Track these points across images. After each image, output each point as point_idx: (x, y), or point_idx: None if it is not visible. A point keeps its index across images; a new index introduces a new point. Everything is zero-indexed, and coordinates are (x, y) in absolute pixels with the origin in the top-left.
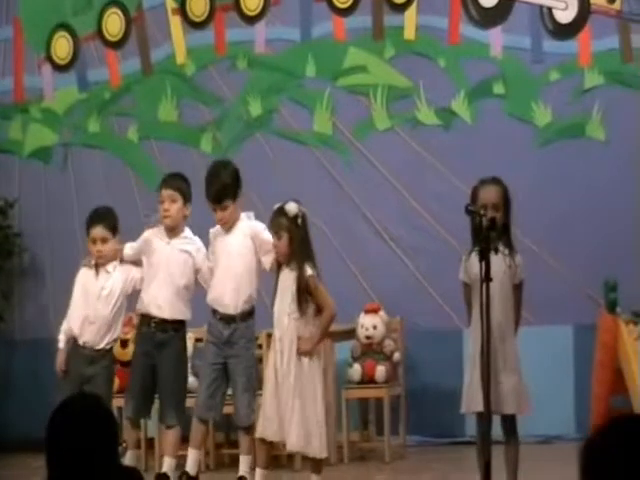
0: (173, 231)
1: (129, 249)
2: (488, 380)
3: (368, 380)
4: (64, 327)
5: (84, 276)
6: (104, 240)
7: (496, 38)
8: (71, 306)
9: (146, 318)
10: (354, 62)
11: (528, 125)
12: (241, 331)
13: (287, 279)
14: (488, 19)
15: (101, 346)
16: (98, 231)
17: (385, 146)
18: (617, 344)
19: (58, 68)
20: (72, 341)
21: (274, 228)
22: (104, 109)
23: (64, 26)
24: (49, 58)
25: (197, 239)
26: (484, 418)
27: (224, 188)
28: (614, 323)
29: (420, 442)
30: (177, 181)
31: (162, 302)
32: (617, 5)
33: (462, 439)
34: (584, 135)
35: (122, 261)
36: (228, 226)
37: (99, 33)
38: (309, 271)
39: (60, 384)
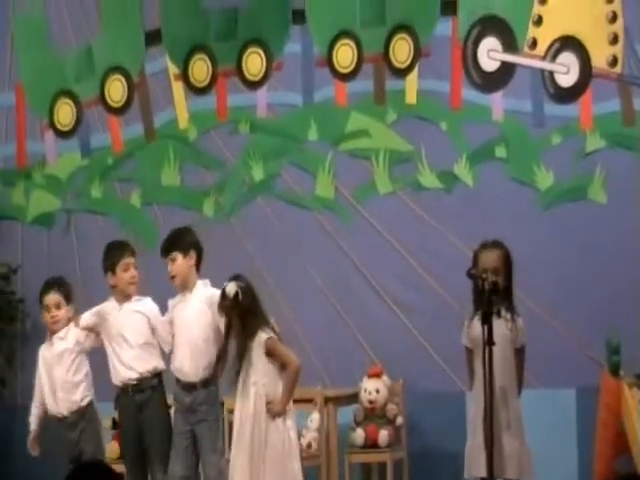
0: (125, 296)
1: (84, 319)
2: (491, 444)
3: (371, 444)
4: (32, 408)
5: (42, 352)
6: (57, 306)
7: (497, 102)
8: (37, 385)
9: (124, 387)
10: (356, 126)
11: (530, 188)
12: (202, 397)
13: (250, 349)
14: (490, 83)
15: (75, 407)
16: (51, 297)
17: (387, 209)
18: (620, 406)
19: (61, 134)
20: (51, 416)
21: (219, 310)
22: (107, 175)
23: (67, 92)
24: (52, 124)
25: (148, 299)
26: None
27: (172, 240)
28: (617, 386)
29: None
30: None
31: (130, 363)
32: (618, 69)
33: None
34: (586, 198)
35: (76, 326)
36: (178, 282)
37: (102, 99)
38: (264, 336)
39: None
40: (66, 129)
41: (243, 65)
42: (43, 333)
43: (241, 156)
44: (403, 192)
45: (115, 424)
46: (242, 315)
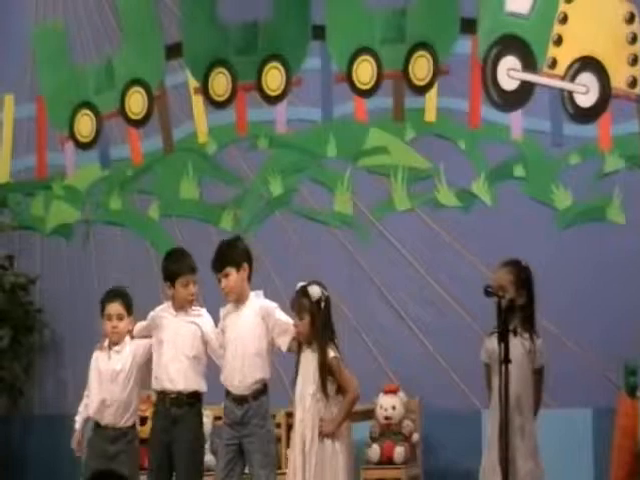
0: (181, 308)
1: (138, 328)
2: (507, 462)
3: (386, 461)
4: (81, 408)
5: (97, 359)
6: (120, 317)
7: (516, 121)
8: (87, 390)
9: (161, 395)
10: (375, 143)
11: (548, 208)
12: (254, 410)
13: (308, 360)
14: (509, 102)
15: (121, 424)
16: (114, 307)
17: (405, 227)
18: (637, 428)
19: (81, 146)
20: (93, 422)
21: (297, 309)
22: (125, 186)
23: (87, 104)
24: (72, 136)
25: (204, 311)
26: None
27: (224, 255)
28: (633, 407)
29: None
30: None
31: (174, 375)
32: (638, 90)
33: None
34: (604, 218)
35: (132, 338)
36: (233, 297)
37: (122, 111)
38: (332, 353)
39: (86, 463)
40: (86, 140)
41: (263, 80)
42: (61, 344)
43: (260, 171)
44: (421, 209)
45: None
46: (318, 322)
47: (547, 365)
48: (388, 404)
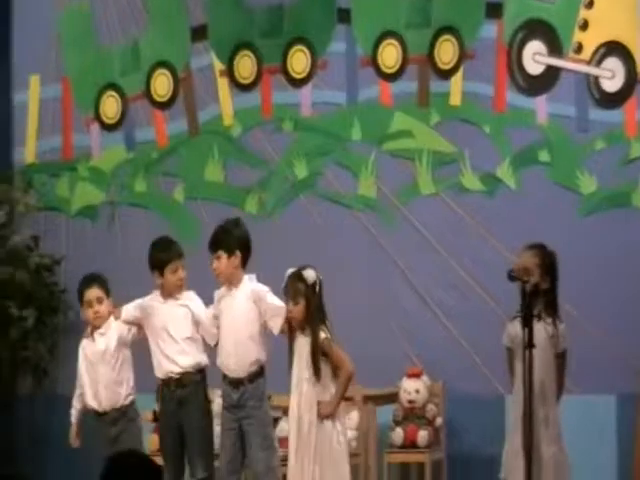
0: (170, 294)
1: (126, 312)
2: (530, 447)
3: (410, 444)
4: (74, 401)
5: (84, 348)
6: (100, 300)
7: (542, 106)
8: (79, 379)
9: (165, 379)
10: (399, 127)
11: (573, 193)
12: (250, 392)
13: (303, 345)
14: (534, 87)
15: (120, 404)
16: (94, 292)
17: (429, 211)
18: None
19: (106, 127)
20: (92, 411)
21: (291, 293)
22: (150, 169)
23: (112, 86)
24: (97, 117)
25: (192, 294)
26: None
27: (219, 239)
28: None
29: None
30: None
31: (174, 357)
32: None
33: None
34: (629, 204)
35: (117, 319)
36: (222, 279)
37: (147, 93)
38: (323, 334)
39: (97, 450)
40: (111, 122)
41: (288, 63)
42: (85, 325)
43: (284, 154)
44: (445, 194)
45: (156, 417)
46: (311, 306)
47: (570, 351)
48: (412, 388)
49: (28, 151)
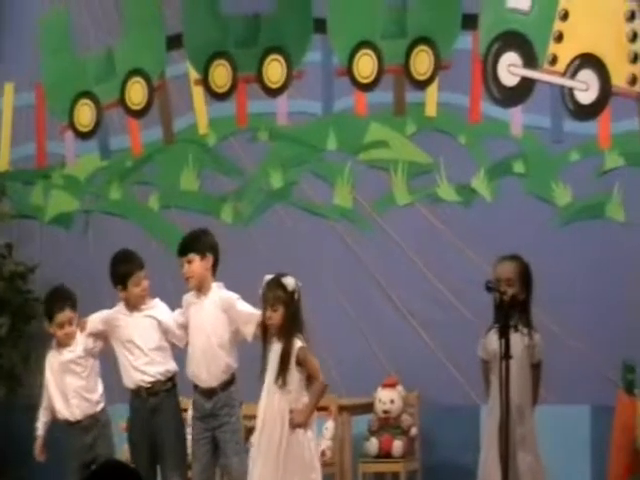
0: (135, 306)
1: (91, 324)
2: (507, 457)
3: (385, 454)
4: (40, 414)
5: (49, 359)
6: (70, 322)
7: (517, 117)
8: (46, 391)
9: (135, 390)
10: (375, 137)
11: (548, 204)
12: (223, 401)
13: (277, 352)
14: (509, 98)
15: (91, 411)
16: (66, 315)
17: (405, 221)
18: (635, 425)
19: (80, 135)
20: (63, 421)
21: (270, 300)
22: (125, 177)
23: (87, 94)
24: (72, 125)
25: (157, 301)
26: None
27: (190, 242)
28: (632, 405)
29: None
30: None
31: (143, 368)
32: (638, 87)
33: None
34: (604, 216)
35: (82, 332)
36: (194, 283)
37: (122, 101)
38: (299, 343)
39: (68, 462)
40: (86, 130)
41: (264, 72)
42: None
43: (260, 163)
44: (421, 204)
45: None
46: (290, 314)
47: (546, 362)
48: (387, 398)
49: (2, 159)
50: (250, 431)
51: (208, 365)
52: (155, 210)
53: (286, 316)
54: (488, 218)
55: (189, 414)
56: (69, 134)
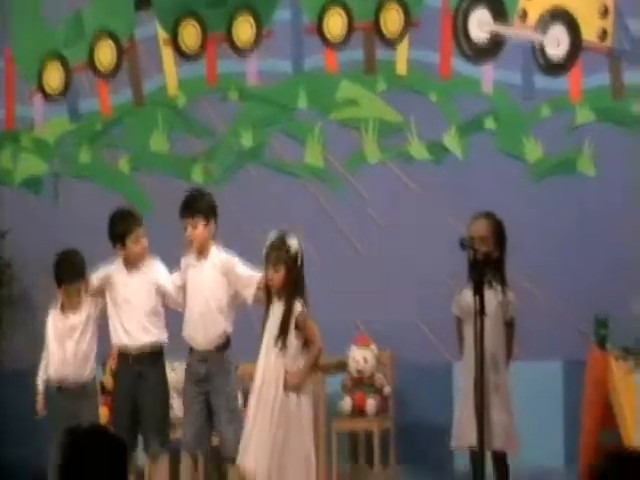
0: (134, 265)
1: (92, 285)
2: (482, 414)
3: (358, 412)
4: (41, 371)
5: (53, 318)
6: (79, 293)
7: (487, 73)
8: (46, 349)
9: (123, 352)
10: (346, 95)
11: (519, 161)
12: (217, 365)
13: (277, 314)
14: (480, 55)
15: (83, 379)
16: (74, 289)
17: (376, 179)
18: (607, 380)
19: (49, 98)
20: (54, 382)
21: (273, 260)
22: (95, 140)
23: (56, 56)
24: (40, 88)
25: (156, 262)
26: (477, 454)
27: (197, 204)
28: (604, 359)
29: (410, 476)
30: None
31: (134, 333)
32: (608, 42)
33: (452, 473)
34: (575, 171)
35: (86, 293)
36: (196, 247)
37: (90, 63)
38: (299, 307)
39: (51, 424)
40: (55, 93)
41: (233, 32)
42: (30, 298)
43: (230, 124)
44: (393, 162)
45: (103, 389)
46: (293, 275)
47: (519, 318)
48: (360, 356)
49: None
50: (247, 393)
51: (205, 329)
52: (125, 173)
53: (288, 277)
54: (460, 176)
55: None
56: (38, 97)
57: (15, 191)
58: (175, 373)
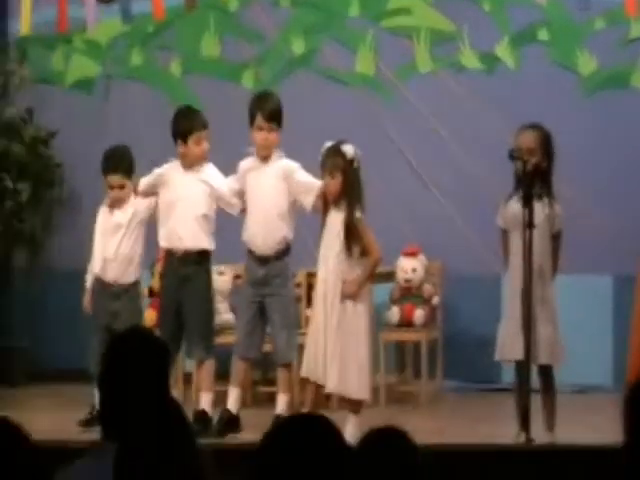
0: (191, 166)
1: (143, 185)
2: (529, 327)
3: (406, 323)
4: (89, 267)
5: (101, 215)
6: (122, 187)
7: None
8: (93, 246)
9: (169, 254)
10: (398, 4)
11: (572, 73)
12: (276, 270)
13: (335, 220)
14: None
15: (125, 280)
16: (116, 179)
17: (427, 89)
18: None
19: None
20: (97, 279)
21: (329, 167)
22: (147, 42)
23: None
24: None
25: (211, 165)
26: (523, 366)
27: (278, 110)
28: None
29: (456, 387)
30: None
31: (183, 233)
32: None
33: (499, 385)
34: (629, 85)
35: (136, 194)
36: (267, 153)
37: None
38: (358, 214)
39: (91, 322)
40: None
41: None
42: (80, 199)
43: (282, 30)
44: (444, 72)
45: (152, 292)
46: (350, 181)
47: (568, 232)
48: (409, 267)
49: (23, 23)
50: (299, 299)
51: (265, 235)
52: (177, 76)
53: (345, 184)
54: (511, 86)
55: (226, 282)
56: None
57: (66, 92)
58: (222, 277)
